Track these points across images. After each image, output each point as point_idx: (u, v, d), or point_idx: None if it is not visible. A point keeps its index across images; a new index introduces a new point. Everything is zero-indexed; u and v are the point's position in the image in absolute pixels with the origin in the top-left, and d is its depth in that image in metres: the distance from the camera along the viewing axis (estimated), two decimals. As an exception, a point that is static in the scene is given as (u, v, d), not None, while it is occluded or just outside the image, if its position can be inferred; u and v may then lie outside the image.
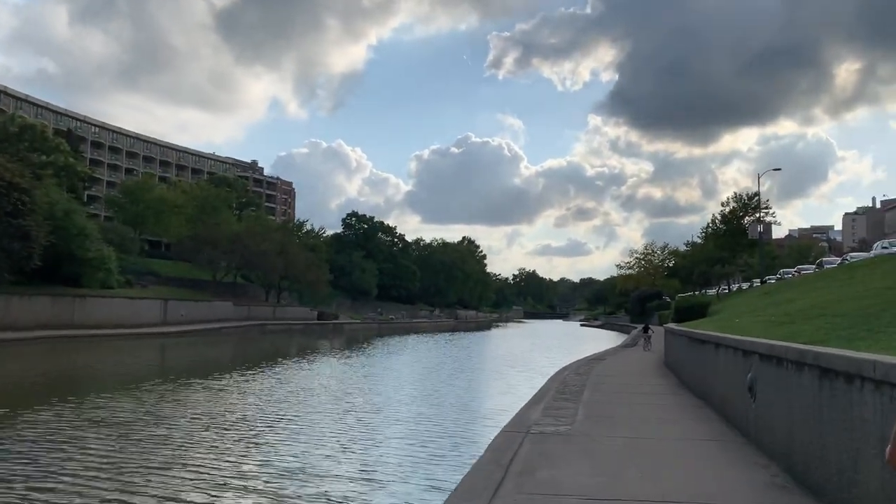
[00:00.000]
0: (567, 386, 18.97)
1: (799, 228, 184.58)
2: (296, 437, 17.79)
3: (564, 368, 26.68)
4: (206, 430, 18.14)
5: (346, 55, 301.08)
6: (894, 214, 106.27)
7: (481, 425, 19.83)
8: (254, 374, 33.37)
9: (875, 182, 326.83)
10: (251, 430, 18.60)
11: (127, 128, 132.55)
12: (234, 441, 16.92)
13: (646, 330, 42.27)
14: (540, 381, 23.32)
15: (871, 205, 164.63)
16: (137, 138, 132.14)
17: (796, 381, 7.93)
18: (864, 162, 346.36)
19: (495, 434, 12.23)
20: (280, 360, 41.38)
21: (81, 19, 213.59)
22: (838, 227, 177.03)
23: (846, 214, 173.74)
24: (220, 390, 26.71)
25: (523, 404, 16.02)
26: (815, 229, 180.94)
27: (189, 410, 21.29)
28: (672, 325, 29.28)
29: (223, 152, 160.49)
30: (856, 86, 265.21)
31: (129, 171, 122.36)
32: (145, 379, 29.38)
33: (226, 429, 18.52)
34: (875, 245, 45.11)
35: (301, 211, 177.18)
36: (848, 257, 45.55)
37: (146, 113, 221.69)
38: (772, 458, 9.06)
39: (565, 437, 11.09)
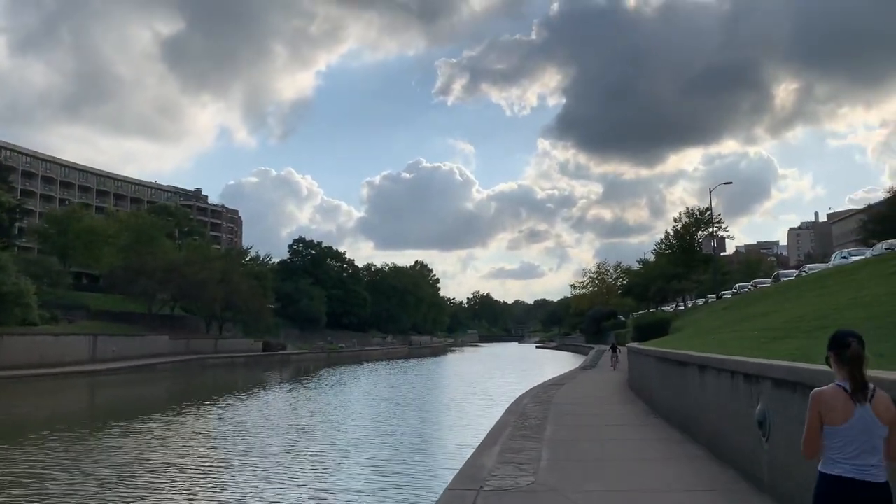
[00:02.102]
0: (527, 419, 16.70)
1: (746, 244, 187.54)
2: (216, 493, 15.16)
3: (523, 396, 24.49)
4: (103, 488, 15.30)
5: (295, 82, 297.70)
6: (841, 227, 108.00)
7: (437, 466, 17.66)
8: (183, 414, 30.26)
9: (815, 198, 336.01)
10: (161, 485, 15.82)
11: (67, 158, 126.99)
12: (132, 501, 14.15)
13: (614, 349, 43.59)
14: (498, 412, 21.08)
15: (813, 219, 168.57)
16: (73, 168, 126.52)
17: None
18: (804, 179, 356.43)
19: (448, 483, 9.98)
20: (216, 397, 38.19)
21: (22, 50, 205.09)
22: (783, 242, 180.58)
23: (791, 229, 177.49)
24: (140, 435, 23.70)
25: (478, 443, 13.79)
26: (761, 245, 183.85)
27: (93, 464, 18.31)
28: (635, 345, 27.49)
29: (171, 182, 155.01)
30: (794, 105, 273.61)
31: (62, 201, 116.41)
32: (57, 425, 25.97)
33: (130, 483, 15.70)
34: (833, 255, 44.46)
35: (250, 240, 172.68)
36: (805, 269, 44.84)
37: (90, 144, 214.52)
38: (804, 520, 6.86)
39: (528, 494, 8.78)
